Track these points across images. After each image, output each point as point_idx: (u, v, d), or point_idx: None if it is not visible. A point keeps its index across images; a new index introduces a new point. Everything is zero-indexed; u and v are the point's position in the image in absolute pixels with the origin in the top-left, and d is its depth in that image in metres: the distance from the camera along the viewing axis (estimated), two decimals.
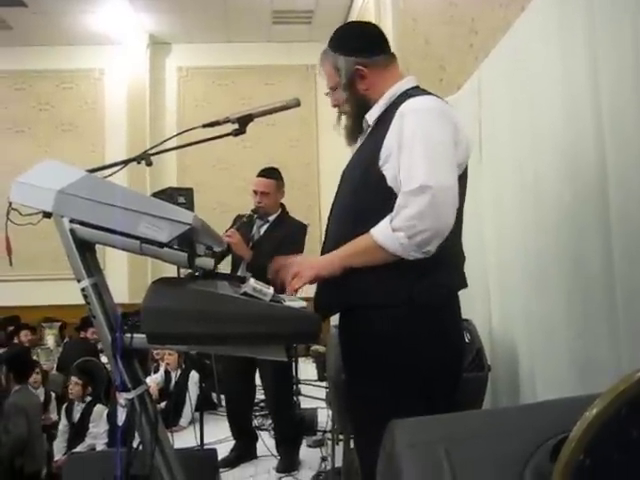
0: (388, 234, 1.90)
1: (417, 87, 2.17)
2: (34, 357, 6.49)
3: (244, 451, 4.66)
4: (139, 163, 2.13)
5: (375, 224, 1.95)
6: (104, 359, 5.82)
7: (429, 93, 2.11)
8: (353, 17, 9.16)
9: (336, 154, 7.17)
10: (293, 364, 5.73)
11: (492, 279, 3.39)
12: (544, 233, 2.70)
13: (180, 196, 4.29)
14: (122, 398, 1.96)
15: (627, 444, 0.99)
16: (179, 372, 6.15)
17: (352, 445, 3.09)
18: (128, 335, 1.85)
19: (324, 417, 5.01)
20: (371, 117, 2.16)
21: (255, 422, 5.30)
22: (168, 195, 4.21)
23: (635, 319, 2.02)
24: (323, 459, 4.48)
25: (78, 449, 4.86)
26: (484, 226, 3.42)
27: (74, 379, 5.18)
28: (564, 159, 2.52)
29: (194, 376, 6.04)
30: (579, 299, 2.40)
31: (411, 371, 1.97)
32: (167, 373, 6.19)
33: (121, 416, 3.54)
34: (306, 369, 7.70)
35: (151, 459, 1.92)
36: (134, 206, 1.76)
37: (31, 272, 9.69)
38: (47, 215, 1.82)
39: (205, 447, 4.30)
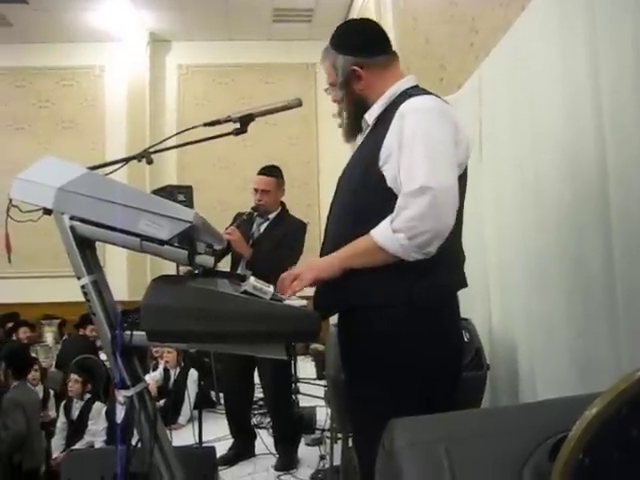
0: (388, 235, 1.90)
1: (417, 86, 2.16)
2: (33, 354, 6.48)
3: (243, 449, 4.66)
4: (140, 161, 2.13)
5: (375, 224, 1.95)
6: (103, 356, 5.83)
7: (429, 92, 2.10)
8: (353, 16, 9.15)
9: (336, 153, 7.16)
10: (292, 363, 5.73)
11: (492, 278, 3.39)
12: (544, 232, 2.70)
13: (180, 194, 4.29)
14: (121, 396, 1.96)
15: (627, 443, 0.99)
16: (178, 370, 6.15)
17: (351, 444, 3.09)
18: (128, 332, 1.85)
19: (323, 415, 5.02)
20: (370, 116, 2.15)
21: (254, 420, 5.30)
22: (168, 193, 4.20)
23: (635, 318, 2.02)
24: (322, 457, 4.48)
25: (77, 446, 4.86)
26: (484, 225, 3.42)
27: (74, 377, 5.18)
28: (564, 158, 2.52)
29: (193, 374, 6.04)
30: (579, 298, 2.40)
31: (410, 371, 1.97)
32: (166, 371, 6.19)
33: (120, 414, 3.53)
34: (305, 368, 7.70)
35: (150, 457, 1.92)
36: (134, 203, 1.76)
37: (31, 269, 9.68)
38: (47, 212, 1.82)
39: (204, 445, 4.30)
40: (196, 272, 1.95)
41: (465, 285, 2.16)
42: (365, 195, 2.05)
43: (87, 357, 5.85)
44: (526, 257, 2.90)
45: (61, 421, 5.17)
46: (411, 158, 1.91)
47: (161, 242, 1.77)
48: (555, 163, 2.60)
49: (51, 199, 1.79)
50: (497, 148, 3.30)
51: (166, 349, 6.06)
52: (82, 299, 1.90)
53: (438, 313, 2.02)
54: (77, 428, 5.09)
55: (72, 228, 1.82)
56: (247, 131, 2.22)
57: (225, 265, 4.31)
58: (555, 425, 1.19)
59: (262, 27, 10.47)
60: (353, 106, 2.21)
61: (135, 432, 1.97)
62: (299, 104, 2.29)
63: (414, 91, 2.09)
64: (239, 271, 4.30)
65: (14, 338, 7.79)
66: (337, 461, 3.84)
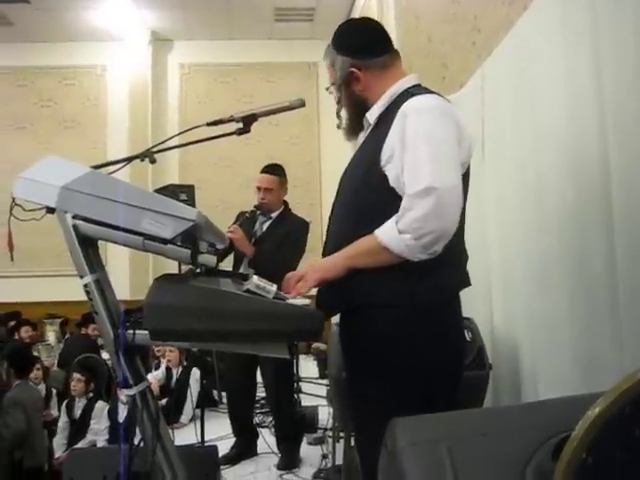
0: (394, 236, 1.90)
1: (418, 85, 2.16)
2: (35, 353, 6.48)
3: (245, 448, 4.66)
4: (142, 160, 2.13)
5: (377, 224, 1.94)
6: (105, 355, 5.83)
7: (430, 91, 2.10)
8: (355, 15, 9.15)
9: (338, 152, 7.16)
10: (294, 362, 5.73)
11: (494, 277, 3.39)
12: (546, 232, 2.70)
13: (182, 193, 4.30)
14: (123, 395, 1.96)
15: (630, 443, 0.99)
16: (180, 369, 6.15)
17: (353, 443, 3.09)
18: (130, 331, 1.85)
19: (325, 415, 5.02)
20: (372, 116, 2.15)
21: (256, 419, 5.30)
22: (170, 192, 4.21)
23: (638, 317, 2.02)
24: (324, 457, 4.48)
25: (79, 445, 4.86)
26: (487, 225, 3.42)
27: (77, 376, 5.18)
28: (566, 157, 2.52)
29: (195, 373, 6.04)
30: (581, 297, 2.40)
31: (412, 371, 1.97)
32: (168, 370, 6.20)
33: (122, 413, 3.54)
34: (307, 367, 7.71)
35: (152, 456, 1.92)
36: (137, 202, 1.75)
37: (33, 268, 9.71)
38: (50, 211, 1.82)
39: (206, 444, 4.30)
40: (198, 271, 1.95)
41: (468, 284, 2.15)
42: (367, 194, 2.04)
43: (89, 356, 5.85)
44: (528, 256, 2.90)
45: (63, 420, 5.16)
46: (415, 158, 1.90)
47: (164, 241, 1.77)
48: (557, 162, 2.60)
49: (54, 198, 1.79)
50: (499, 147, 3.30)
51: (168, 348, 6.06)
52: (84, 298, 1.90)
53: (440, 313, 2.02)
54: (79, 427, 5.09)
55: (75, 227, 1.81)
56: (250, 131, 2.22)
57: (228, 264, 4.31)
58: (557, 425, 1.19)
59: (264, 26, 10.47)
60: (353, 106, 2.21)
61: (137, 431, 1.97)
62: (302, 104, 2.29)
63: (416, 90, 2.09)
64: (242, 270, 4.30)
65: (16, 337, 7.80)
66: (339, 460, 3.85)
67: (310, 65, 10.79)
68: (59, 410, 5.36)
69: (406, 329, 1.97)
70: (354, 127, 2.25)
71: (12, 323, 8.29)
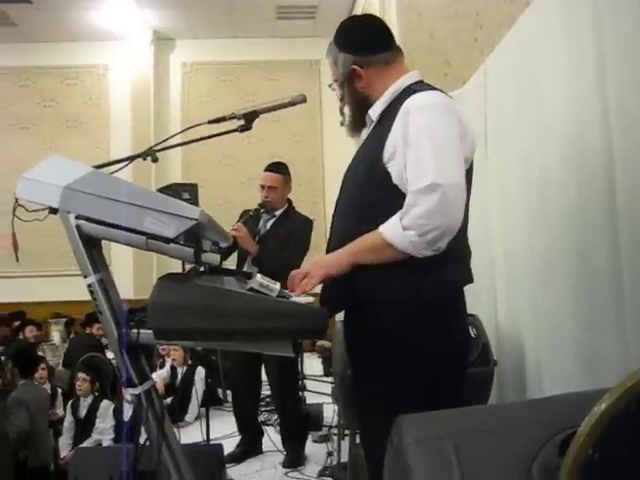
0: (398, 232, 1.90)
1: (421, 82, 2.15)
2: (40, 353, 6.50)
3: (250, 446, 4.67)
4: (145, 159, 2.13)
5: (380, 220, 1.94)
6: (110, 355, 5.85)
7: (433, 88, 2.09)
8: (357, 12, 9.14)
9: (341, 149, 7.16)
10: (298, 360, 5.73)
11: (498, 272, 3.38)
12: (550, 226, 2.70)
13: (185, 192, 4.30)
14: (129, 394, 1.96)
15: (636, 439, 0.99)
16: (185, 368, 6.16)
17: (358, 440, 3.09)
18: (135, 331, 1.85)
19: (330, 412, 5.02)
20: (374, 112, 2.15)
21: (261, 417, 5.31)
22: (173, 191, 4.21)
23: None
24: (329, 454, 4.49)
25: (84, 444, 4.87)
26: (490, 220, 3.42)
27: (82, 375, 5.19)
28: (570, 152, 2.52)
29: (200, 372, 6.05)
30: (585, 292, 2.40)
31: (416, 368, 1.97)
32: (173, 369, 6.20)
33: (127, 412, 3.55)
34: (311, 364, 7.71)
35: (158, 455, 1.92)
36: (140, 202, 1.75)
37: (37, 268, 9.72)
38: (53, 211, 1.82)
39: (211, 442, 4.31)
40: (202, 270, 1.95)
41: (471, 281, 2.15)
42: (370, 191, 2.04)
43: (94, 355, 5.86)
44: (531, 251, 2.89)
45: (68, 420, 5.18)
46: (418, 155, 1.90)
47: (167, 240, 1.77)
48: (560, 157, 2.59)
49: (57, 198, 1.79)
50: (502, 143, 3.30)
51: (173, 347, 6.07)
52: (88, 298, 1.90)
53: (444, 309, 2.02)
54: (85, 427, 5.10)
55: (78, 227, 1.81)
56: (252, 128, 2.22)
57: (231, 262, 4.32)
58: (562, 421, 1.19)
59: (266, 24, 10.47)
60: (355, 103, 2.21)
61: (143, 430, 1.97)
62: (303, 100, 2.28)
63: (418, 86, 2.09)
64: (245, 268, 4.30)
65: (21, 337, 7.82)
66: (344, 457, 3.85)
67: (312, 63, 10.79)
68: (64, 410, 5.37)
69: (411, 325, 1.97)
70: (357, 124, 2.25)
71: (17, 323, 8.30)
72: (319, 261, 2.08)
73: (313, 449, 4.74)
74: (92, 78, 10.94)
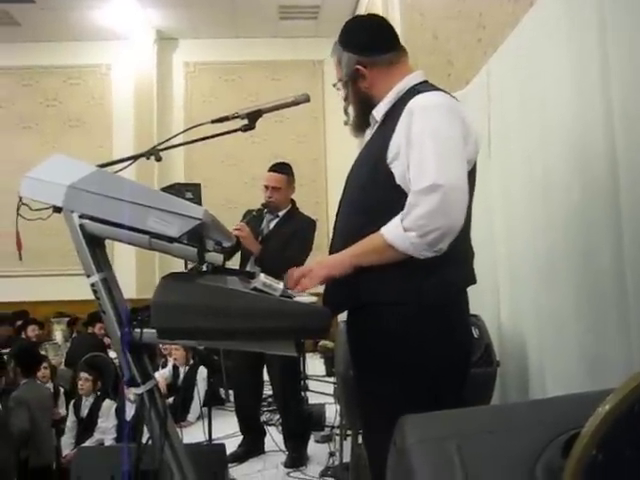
0: (399, 234, 1.90)
1: (425, 82, 2.15)
2: (42, 352, 6.49)
3: (252, 446, 4.67)
4: (148, 159, 2.13)
5: (384, 221, 1.94)
6: (112, 354, 5.85)
7: (437, 88, 2.09)
8: (360, 12, 9.14)
9: (344, 150, 7.17)
10: (301, 360, 5.74)
11: (501, 273, 3.38)
12: (553, 226, 2.69)
13: (188, 191, 4.30)
14: (131, 393, 1.96)
15: (639, 441, 0.99)
16: (187, 367, 6.16)
17: (360, 440, 3.09)
18: (138, 330, 1.85)
19: (332, 412, 5.02)
20: (378, 113, 2.15)
21: (263, 417, 5.31)
22: (176, 190, 4.20)
23: None
24: (331, 454, 4.49)
25: (87, 444, 4.87)
26: (493, 221, 3.42)
27: (84, 375, 5.19)
28: (573, 152, 2.51)
29: (202, 371, 6.05)
30: (588, 293, 2.40)
31: (419, 369, 1.97)
32: (175, 368, 6.21)
33: (129, 411, 3.56)
34: (314, 365, 7.71)
35: (160, 454, 1.92)
36: (144, 201, 1.75)
37: (40, 267, 9.73)
38: (57, 210, 1.82)
39: (213, 442, 4.31)
40: (204, 269, 1.95)
41: (474, 282, 2.15)
42: (374, 192, 2.04)
43: (96, 355, 5.86)
44: (535, 252, 2.89)
45: (71, 420, 5.18)
46: (420, 155, 1.90)
47: (170, 239, 1.77)
48: (564, 157, 2.59)
49: (61, 197, 1.79)
50: (506, 143, 3.30)
51: (174, 346, 6.07)
52: (91, 297, 1.90)
53: (446, 311, 2.02)
54: (87, 426, 5.10)
55: (82, 226, 1.81)
56: (255, 127, 2.22)
57: (234, 262, 4.31)
58: (565, 422, 1.19)
59: (268, 24, 10.47)
60: (359, 103, 2.21)
61: (145, 429, 1.97)
62: (307, 100, 2.28)
63: (422, 87, 2.09)
64: (248, 268, 4.30)
65: (23, 336, 7.82)
66: (347, 458, 3.85)
67: (315, 63, 10.79)
68: (67, 409, 5.37)
69: (413, 327, 1.97)
70: (360, 124, 2.25)
71: (19, 322, 8.31)
72: (322, 261, 2.08)
73: (315, 449, 4.74)
74: (95, 77, 10.95)
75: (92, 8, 9.53)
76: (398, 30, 2.30)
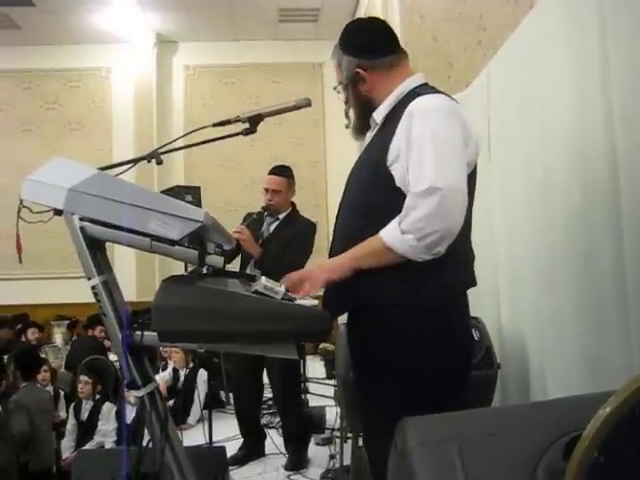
0: (397, 236, 1.90)
1: (425, 84, 2.16)
2: (43, 355, 6.49)
3: (253, 449, 4.67)
4: (149, 162, 2.13)
5: (383, 223, 1.94)
6: (112, 357, 5.85)
7: (437, 91, 2.10)
8: (360, 14, 9.15)
9: (343, 153, 7.17)
10: (301, 362, 5.73)
11: (501, 275, 3.38)
12: (553, 228, 2.69)
13: (187, 194, 4.29)
14: (132, 396, 1.96)
15: None
16: (187, 370, 6.16)
17: (360, 443, 3.09)
18: (138, 333, 1.85)
19: (332, 415, 5.02)
20: (378, 115, 2.15)
21: (263, 420, 5.30)
22: (176, 193, 4.20)
23: None
24: (332, 457, 4.49)
25: (87, 447, 4.87)
26: (494, 223, 3.42)
27: (84, 378, 5.19)
28: (574, 154, 2.51)
29: (203, 374, 6.04)
30: (589, 294, 2.40)
31: (418, 372, 1.97)
32: (175, 371, 6.20)
33: (129, 414, 3.55)
34: (314, 367, 7.71)
35: (161, 457, 1.92)
36: (145, 203, 1.75)
37: (40, 270, 9.73)
38: (58, 213, 1.82)
39: (214, 445, 4.31)
40: (204, 272, 1.95)
41: (474, 284, 2.15)
42: (374, 194, 2.05)
43: (96, 358, 5.85)
44: (535, 254, 2.89)
45: (71, 423, 5.17)
46: (420, 157, 1.90)
47: (171, 242, 1.77)
48: (564, 159, 2.59)
49: (62, 200, 1.79)
50: (506, 145, 3.30)
51: (174, 349, 6.07)
52: (91, 300, 1.90)
53: (445, 313, 2.02)
54: (87, 429, 5.09)
55: (82, 229, 1.82)
56: (256, 131, 2.22)
57: (235, 266, 4.32)
58: (566, 424, 1.19)
59: (268, 27, 10.48)
60: (359, 106, 2.21)
61: (146, 432, 1.97)
62: (308, 104, 2.28)
63: (422, 89, 2.09)
64: (248, 271, 4.30)
65: (23, 339, 7.82)
66: (347, 460, 3.85)
67: (315, 66, 10.79)
68: (67, 412, 5.37)
69: (411, 329, 1.97)
70: (361, 127, 2.25)
71: (19, 325, 8.30)
72: (322, 265, 2.08)
73: (316, 452, 4.74)
74: (95, 81, 10.95)
75: (92, 11, 9.53)
76: (398, 32, 2.30)
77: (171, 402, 5.75)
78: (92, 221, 1.81)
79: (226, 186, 10.41)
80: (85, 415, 5.15)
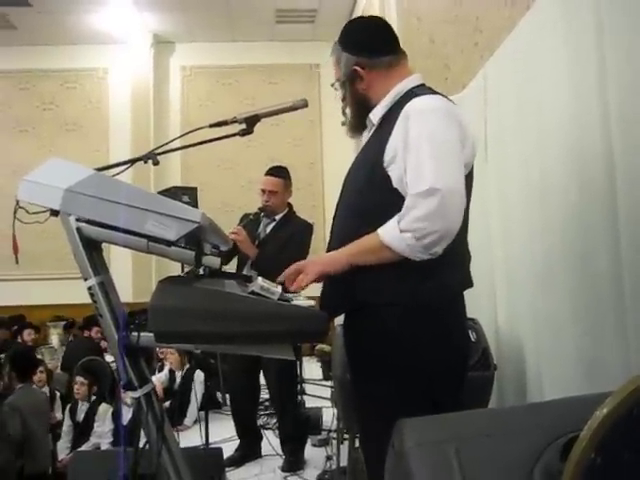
0: (395, 235, 1.90)
1: (422, 85, 2.15)
2: (39, 356, 6.48)
3: (249, 450, 4.66)
4: (146, 162, 2.13)
5: (380, 224, 1.94)
6: (108, 358, 5.84)
7: (434, 92, 2.10)
8: (357, 16, 9.14)
9: (340, 154, 7.16)
10: (297, 363, 5.73)
11: (498, 276, 3.38)
12: (550, 229, 2.69)
13: (184, 195, 4.30)
14: (128, 397, 1.96)
15: (638, 443, 0.99)
16: (184, 371, 6.15)
17: (357, 444, 3.09)
18: (135, 334, 1.85)
19: (329, 416, 5.02)
20: (375, 116, 2.15)
21: (260, 421, 5.30)
22: (172, 194, 4.21)
23: None
24: (328, 458, 4.48)
25: (83, 448, 4.86)
26: (490, 224, 3.42)
27: (80, 379, 5.18)
28: (570, 156, 2.51)
29: (199, 375, 6.04)
30: (586, 296, 2.40)
31: (414, 372, 1.97)
32: (172, 372, 6.20)
33: (126, 415, 3.55)
34: (310, 368, 7.70)
35: (158, 458, 1.92)
36: (141, 204, 1.75)
37: (36, 271, 9.71)
38: (54, 213, 1.82)
39: (210, 446, 4.30)
40: (201, 273, 1.95)
41: (470, 285, 2.15)
42: (370, 195, 2.04)
43: (92, 359, 5.85)
44: (532, 255, 2.89)
45: (67, 424, 5.16)
46: (418, 159, 1.90)
47: (168, 243, 1.77)
48: (561, 160, 2.59)
49: (58, 200, 1.79)
50: (502, 147, 3.30)
51: (169, 350, 6.06)
52: (88, 300, 1.89)
53: (442, 313, 2.02)
54: (83, 430, 5.08)
55: (78, 229, 1.82)
56: (253, 132, 2.22)
57: (231, 267, 4.31)
58: (563, 425, 1.19)
59: (265, 28, 10.48)
60: (355, 104, 2.21)
61: (142, 433, 1.97)
62: (305, 105, 2.28)
63: (419, 90, 2.09)
64: (245, 272, 4.29)
65: (19, 340, 7.80)
66: (344, 462, 3.84)
67: (312, 66, 10.80)
68: (63, 413, 5.36)
69: (408, 328, 1.97)
70: (357, 125, 2.25)
71: (15, 326, 8.29)
72: (316, 259, 2.09)
73: (312, 453, 4.74)
74: (92, 81, 10.94)
75: (89, 12, 9.52)
76: None
77: (167, 403, 5.75)
78: (88, 222, 1.81)
79: (223, 187, 10.41)
80: (81, 416, 5.14)
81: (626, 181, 2.09)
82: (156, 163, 2.12)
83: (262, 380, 4.75)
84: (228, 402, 5.53)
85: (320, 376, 7.58)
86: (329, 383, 6.24)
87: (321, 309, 2.04)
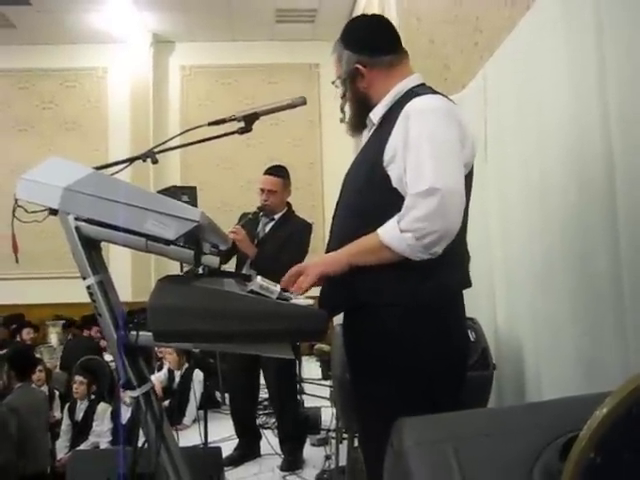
0: (395, 235, 1.89)
1: (423, 85, 2.15)
2: (38, 355, 6.48)
3: (248, 449, 4.66)
4: (145, 161, 2.12)
5: (380, 224, 1.94)
6: (107, 357, 5.84)
7: (434, 92, 2.10)
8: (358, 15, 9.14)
9: (340, 154, 7.16)
10: (296, 363, 5.73)
11: (497, 276, 3.38)
12: (550, 230, 2.69)
13: (184, 195, 4.29)
14: (127, 396, 1.96)
15: (638, 443, 0.98)
16: (183, 370, 6.15)
17: (356, 443, 3.09)
18: (134, 333, 1.85)
19: (328, 416, 5.01)
20: (375, 116, 2.14)
21: (259, 421, 5.30)
22: (172, 193, 4.20)
23: None
24: (327, 458, 4.49)
25: (82, 447, 4.86)
26: (490, 224, 3.42)
27: (79, 378, 5.18)
28: (570, 156, 2.51)
29: (198, 374, 6.04)
30: (585, 296, 2.40)
31: (414, 372, 1.97)
32: (171, 371, 6.19)
33: (124, 414, 3.55)
34: (309, 368, 7.71)
35: (156, 457, 1.92)
36: (140, 203, 1.75)
37: (35, 270, 9.71)
38: (53, 212, 1.82)
39: (209, 445, 4.30)
40: (200, 272, 1.94)
41: (469, 285, 2.15)
42: (370, 195, 2.04)
43: (91, 358, 5.85)
44: (531, 255, 2.89)
45: (65, 423, 5.16)
46: (418, 159, 1.90)
47: (167, 242, 1.77)
48: (560, 159, 2.59)
49: (57, 199, 1.79)
50: (502, 147, 3.30)
51: (168, 351, 6.06)
52: (87, 300, 1.89)
53: (442, 313, 2.02)
54: (81, 429, 5.08)
55: (77, 228, 1.81)
56: (252, 130, 2.21)
57: (230, 266, 4.31)
58: (562, 425, 1.19)
59: (265, 28, 10.48)
60: (356, 103, 2.21)
61: (141, 433, 1.97)
62: (304, 102, 2.28)
63: (420, 90, 2.09)
64: (244, 271, 4.29)
65: (18, 339, 7.80)
66: (343, 461, 3.84)
67: (312, 66, 10.80)
68: (62, 412, 5.36)
69: (408, 328, 1.97)
70: (356, 123, 2.25)
71: (14, 325, 8.29)
72: (316, 260, 2.08)
73: (311, 452, 4.74)
74: (91, 80, 10.95)
75: (88, 11, 9.52)
76: None
77: (166, 402, 5.74)
78: (87, 221, 1.81)
79: (222, 186, 10.41)
80: (80, 415, 5.14)
81: (626, 181, 2.09)
82: (155, 162, 2.11)
83: (261, 379, 4.74)
84: (227, 401, 5.54)
85: (319, 375, 7.58)
86: (328, 383, 6.24)
87: (320, 308, 2.04)
